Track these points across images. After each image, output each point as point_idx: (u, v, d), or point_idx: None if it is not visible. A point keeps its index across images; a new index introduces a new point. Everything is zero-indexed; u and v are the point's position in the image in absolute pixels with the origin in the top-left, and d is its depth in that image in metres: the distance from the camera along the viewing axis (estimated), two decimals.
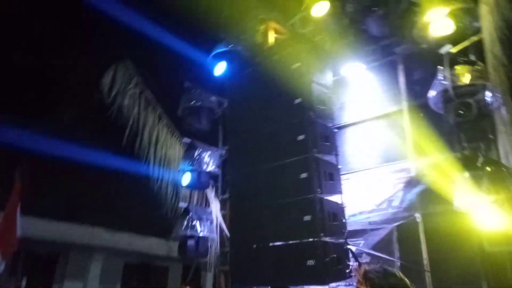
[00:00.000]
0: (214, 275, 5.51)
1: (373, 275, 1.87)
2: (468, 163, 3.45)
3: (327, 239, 3.81)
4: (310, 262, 3.72)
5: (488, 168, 3.24)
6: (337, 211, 4.09)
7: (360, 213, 4.66)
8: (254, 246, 4.32)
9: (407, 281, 1.90)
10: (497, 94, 3.59)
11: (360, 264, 1.97)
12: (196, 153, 5.26)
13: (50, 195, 8.73)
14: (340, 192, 4.28)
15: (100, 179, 9.68)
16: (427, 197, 4.21)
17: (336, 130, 4.54)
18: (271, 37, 5.50)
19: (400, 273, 1.94)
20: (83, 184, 9.65)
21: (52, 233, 9.24)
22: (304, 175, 4.02)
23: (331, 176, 4.19)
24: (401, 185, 4.47)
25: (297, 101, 4.30)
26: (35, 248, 8.92)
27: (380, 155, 4.72)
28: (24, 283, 4.00)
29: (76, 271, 9.93)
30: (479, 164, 3.38)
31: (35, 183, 8.05)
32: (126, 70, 5.69)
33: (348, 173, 4.82)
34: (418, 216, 4.19)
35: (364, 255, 4.29)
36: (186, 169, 5.31)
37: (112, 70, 5.60)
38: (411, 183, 4.39)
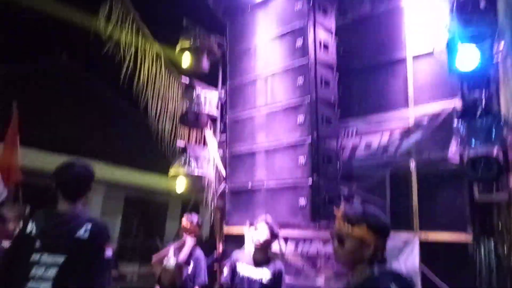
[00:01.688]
0: (211, 211, 5.68)
1: (351, 211, 1.92)
2: (466, 113, 3.42)
3: (320, 180, 3.90)
4: (302, 202, 3.84)
5: (485, 119, 3.22)
6: (332, 154, 4.15)
7: (356, 158, 4.71)
8: (249, 186, 4.43)
9: (387, 220, 1.96)
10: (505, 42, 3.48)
11: (342, 204, 1.99)
12: (194, 93, 5.22)
13: (51, 128, 8.79)
14: (336, 136, 4.31)
15: (100, 113, 9.70)
16: (423, 145, 4.24)
17: (336, 74, 4.47)
18: None
19: (380, 212, 2.00)
20: (84, 118, 9.68)
21: (53, 165, 9.42)
22: (300, 118, 4.03)
23: (328, 120, 4.20)
24: (398, 133, 4.47)
25: (298, 44, 4.20)
26: (37, 179, 9.16)
27: (380, 103, 4.67)
28: (27, 210, 4.16)
29: None
30: (478, 114, 3.36)
31: (35, 116, 8.10)
32: (123, 6, 5.47)
33: (346, 118, 4.81)
34: (412, 163, 4.23)
35: (356, 197, 4.41)
36: (184, 109, 5.30)
37: (107, 5, 5.37)
38: (408, 131, 4.39)
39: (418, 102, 4.30)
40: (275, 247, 4.45)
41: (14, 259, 2.19)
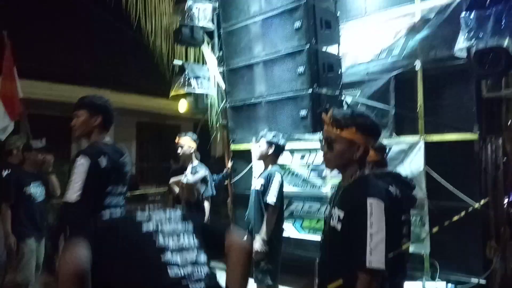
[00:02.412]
0: (216, 129, 5.69)
1: (340, 115, 1.83)
2: (476, 3, 3.13)
3: (321, 90, 3.76)
4: (303, 113, 3.74)
5: (494, 8, 2.93)
6: (333, 62, 3.94)
7: (359, 64, 4.50)
8: (251, 101, 4.33)
9: (376, 121, 1.87)
10: None
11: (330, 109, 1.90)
12: (186, 6, 4.89)
13: (50, 57, 8.63)
14: (337, 42, 4.06)
15: (96, 37, 9.41)
16: (429, 43, 3.99)
17: None
18: None
19: (370, 114, 1.91)
20: (80, 43, 9.41)
21: (62, 96, 9.43)
22: (297, 23, 3.76)
23: (328, 24, 3.92)
24: (404, 32, 4.19)
25: None
26: (47, 110, 9.25)
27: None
28: (43, 143, 4.23)
29: None
30: (487, 3, 3.06)
31: (31, 46, 7.90)
32: None
33: (347, 21, 4.50)
34: (418, 63, 4.01)
35: (359, 105, 4.29)
36: (177, 24, 5.02)
37: None
38: (414, 28, 4.10)
39: None
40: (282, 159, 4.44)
41: (92, 192, 2.27)
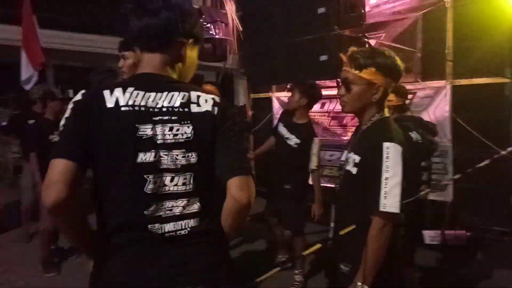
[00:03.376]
0: (235, 77, 5.59)
1: (359, 55, 1.71)
2: None
3: (343, 31, 3.56)
4: (323, 57, 3.58)
5: None
6: (356, 1, 3.70)
7: (384, 2, 4.22)
8: (269, 45, 4.17)
9: (398, 60, 1.74)
10: None
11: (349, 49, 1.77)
12: None
13: (69, 8, 8.55)
14: None
15: None
16: None
17: None
18: None
19: (391, 53, 1.77)
20: None
21: (87, 45, 9.46)
22: None
23: None
24: None
25: None
26: (72, 60, 9.32)
27: None
28: (71, 93, 4.27)
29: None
30: None
31: None
32: None
33: None
34: (448, 1, 3.72)
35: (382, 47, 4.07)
36: None
37: None
38: None
39: None
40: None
41: None
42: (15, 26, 6.12)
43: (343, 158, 1.91)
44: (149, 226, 1.17)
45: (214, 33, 4.91)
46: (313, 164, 3.28)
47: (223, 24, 5.01)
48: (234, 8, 5.14)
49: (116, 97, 1.17)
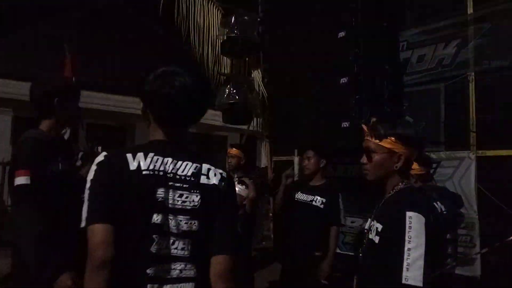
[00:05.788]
0: (260, 141, 5.70)
1: (380, 125, 1.76)
2: None
3: (364, 101, 3.67)
4: (345, 124, 3.67)
5: None
6: (378, 72, 3.84)
7: (407, 74, 4.35)
8: (293, 111, 4.32)
9: (418, 130, 1.78)
10: None
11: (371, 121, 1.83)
12: (233, 19, 5.00)
13: (105, 70, 9.13)
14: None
15: (152, 51, 9.84)
16: (483, 52, 3.78)
17: None
18: None
19: (412, 123, 1.82)
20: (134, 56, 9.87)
21: (118, 106, 9.96)
22: (342, 33, 3.72)
23: None
24: (455, 41, 4.01)
25: None
26: (105, 119, 9.78)
27: (433, 8, 4.17)
28: (100, 149, 4.45)
29: (143, 139, 10.80)
30: None
31: (90, 58, 8.41)
32: None
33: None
34: (471, 74, 3.82)
35: (406, 117, 4.13)
36: (225, 36, 5.14)
37: None
38: (466, 37, 3.91)
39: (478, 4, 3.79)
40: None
41: None
42: None
43: (366, 226, 1.89)
44: (148, 285, 1.21)
45: (240, 99, 5.11)
46: (342, 219, 3.34)
47: (249, 90, 5.22)
48: (260, 75, 5.39)
49: (138, 161, 1.27)
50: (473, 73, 3.82)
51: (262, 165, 9.86)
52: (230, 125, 7.23)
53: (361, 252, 1.95)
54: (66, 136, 5.64)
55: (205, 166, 1.35)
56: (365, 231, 1.91)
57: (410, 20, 4.35)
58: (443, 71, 4.07)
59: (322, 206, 3.32)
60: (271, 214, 5.54)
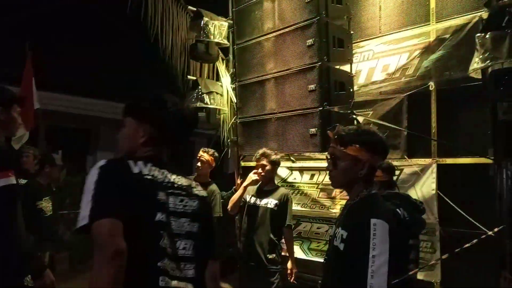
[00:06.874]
0: (227, 145, 5.66)
1: (344, 132, 1.78)
2: (491, 23, 3.07)
3: (331, 108, 3.72)
4: (312, 131, 3.70)
5: (511, 29, 2.86)
6: (345, 80, 3.90)
7: (372, 83, 4.45)
8: (261, 117, 4.31)
9: (383, 139, 1.81)
10: None
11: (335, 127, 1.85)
12: (202, 23, 4.96)
13: (66, 70, 8.81)
14: (349, 61, 4.03)
15: (117, 51, 9.61)
16: (444, 63, 3.93)
17: None
18: None
19: (376, 130, 1.85)
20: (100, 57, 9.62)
21: (82, 109, 9.64)
22: (310, 41, 3.75)
23: (340, 43, 3.90)
24: (418, 52, 4.14)
25: None
26: (68, 122, 9.43)
27: (397, 19, 4.30)
28: (60, 153, 4.27)
29: (107, 143, 10.47)
30: (503, 24, 3.00)
31: (50, 58, 8.11)
32: None
33: (360, 41, 4.49)
34: (432, 84, 3.95)
35: (370, 125, 4.22)
36: (193, 40, 5.08)
37: None
38: (429, 48, 4.05)
39: (440, 17, 3.94)
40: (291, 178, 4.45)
41: None
42: (14, 87, 6.27)
43: (332, 233, 1.90)
44: (160, 277, 1.28)
45: (208, 103, 5.06)
46: (290, 221, 3.58)
47: (218, 95, 5.19)
48: (229, 80, 5.36)
49: (139, 167, 1.38)
50: (433, 84, 3.94)
51: (229, 171, 9.80)
52: (199, 130, 7.14)
53: (326, 259, 1.96)
54: (24, 139, 5.43)
55: (193, 181, 1.57)
56: (330, 238, 1.91)
57: (375, 31, 4.45)
58: (406, 81, 4.19)
59: (275, 208, 3.51)
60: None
